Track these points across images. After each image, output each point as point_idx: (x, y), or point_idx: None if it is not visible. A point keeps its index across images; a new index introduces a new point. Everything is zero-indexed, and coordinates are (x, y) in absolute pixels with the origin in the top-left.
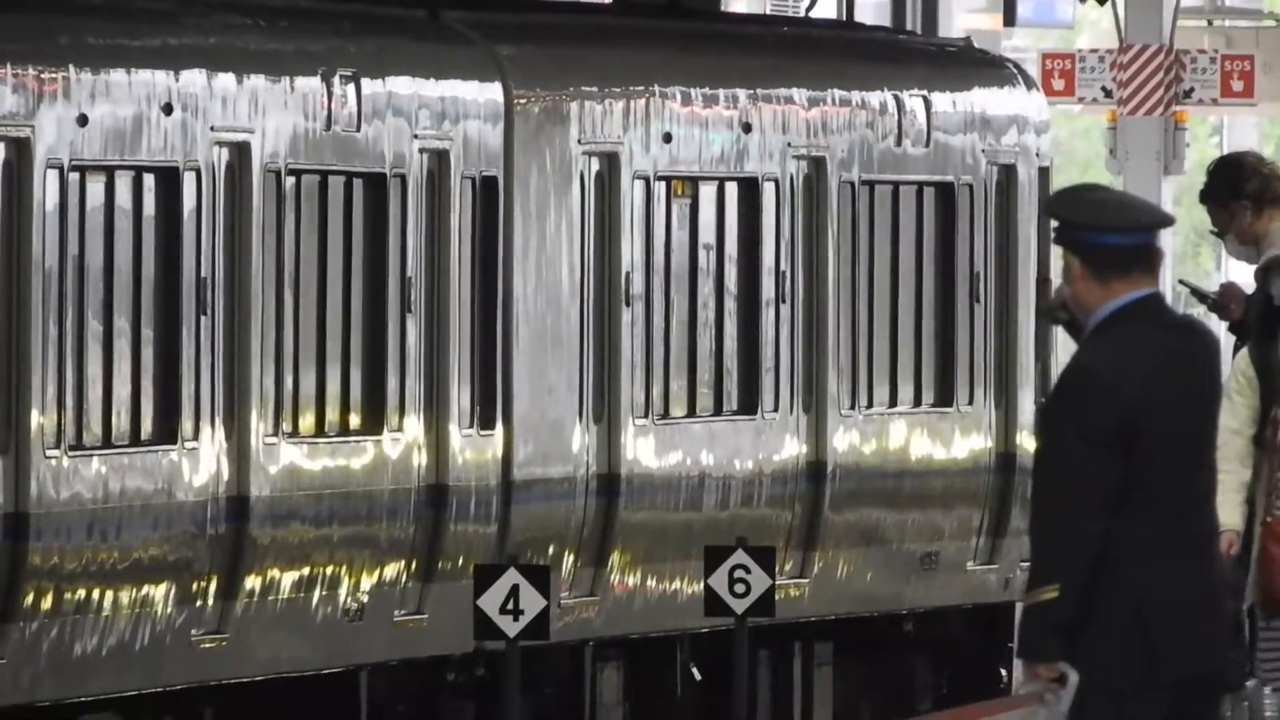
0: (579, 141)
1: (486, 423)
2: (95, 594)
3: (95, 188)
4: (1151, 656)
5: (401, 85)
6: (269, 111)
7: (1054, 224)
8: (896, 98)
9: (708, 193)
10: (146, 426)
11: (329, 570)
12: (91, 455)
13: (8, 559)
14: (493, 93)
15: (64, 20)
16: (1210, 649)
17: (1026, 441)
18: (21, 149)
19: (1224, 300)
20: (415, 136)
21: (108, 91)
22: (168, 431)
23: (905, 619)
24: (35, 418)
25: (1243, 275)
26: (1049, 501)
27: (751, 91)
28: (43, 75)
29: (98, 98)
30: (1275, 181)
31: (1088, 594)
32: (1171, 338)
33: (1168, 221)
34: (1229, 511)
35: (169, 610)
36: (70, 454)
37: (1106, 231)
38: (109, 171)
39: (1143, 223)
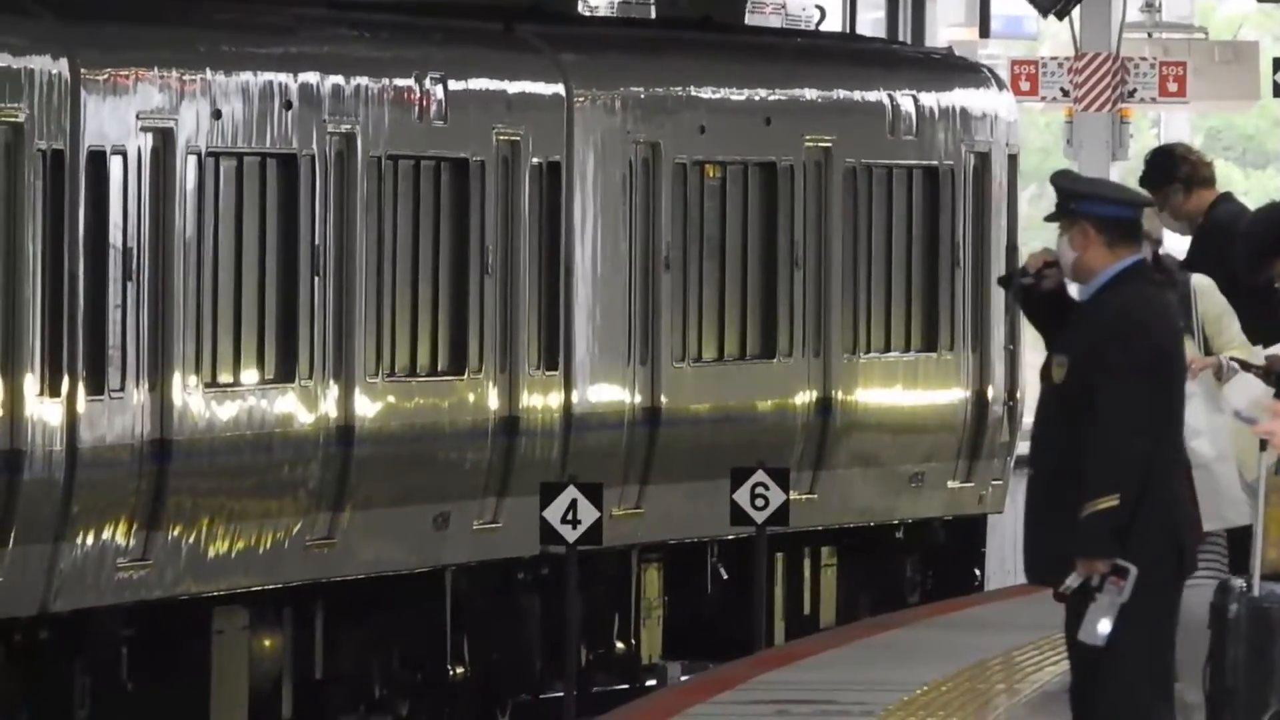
0: (627, 133)
1: (551, 365)
2: (230, 507)
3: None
4: (1180, 556)
5: (481, 84)
6: (372, 107)
7: (1067, 198)
8: (890, 96)
9: (734, 173)
10: (268, 367)
11: (422, 487)
12: (225, 391)
13: (153, 480)
14: (557, 91)
15: (201, 31)
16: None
17: (998, 381)
18: (166, 138)
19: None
20: (492, 129)
21: (239, 90)
22: (286, 372)
23: (896, 528)
24: (178, 361)
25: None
26: (1108, 425)
27: (771, 90)
28: (184, 77)
29: (230, 96)
30: (1201, 167)
31: (1139, 502)
32: (1165, 292)
33: (1150, 202)
34: None
35: (288, 520)
36: (206, 389)
37: (1120, 205)
38: (238, 158)
39: (1140, 201)
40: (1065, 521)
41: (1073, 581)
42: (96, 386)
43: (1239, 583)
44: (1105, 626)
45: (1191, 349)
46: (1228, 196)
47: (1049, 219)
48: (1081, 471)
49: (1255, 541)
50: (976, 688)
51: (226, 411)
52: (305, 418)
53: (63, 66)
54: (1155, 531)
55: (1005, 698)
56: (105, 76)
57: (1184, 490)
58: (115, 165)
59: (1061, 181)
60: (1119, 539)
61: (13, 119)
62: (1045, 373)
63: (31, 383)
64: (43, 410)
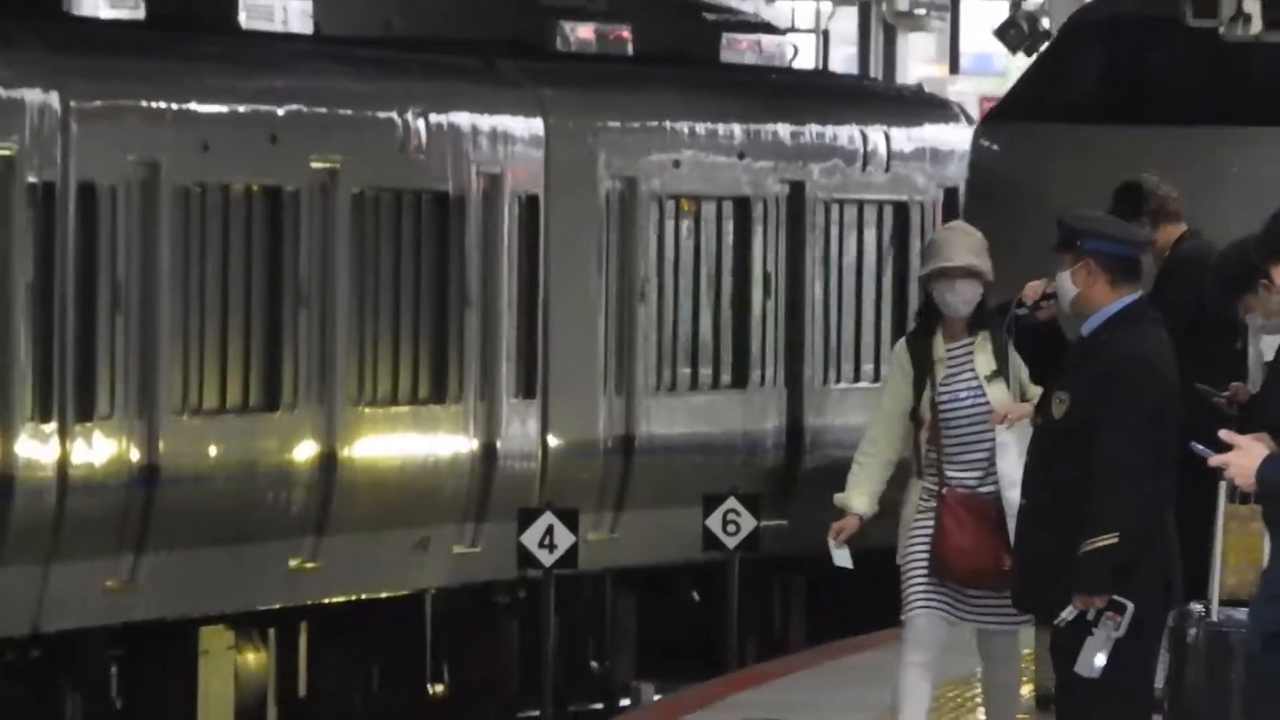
0: (606, 167)
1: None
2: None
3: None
4: (1169, 592)
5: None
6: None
7: (1073, 235)
8: (862, 132)
9: (709, 211)
10: (252, 395)
11: (404, 512)
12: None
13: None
14: (535, 127)
15: (186, 65)
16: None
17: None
18: (153, 170)
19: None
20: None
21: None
22: (268, 401)
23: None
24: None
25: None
26: (1113, 465)
27: (746, 126)
28: (172, 107)
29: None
30: (1169, 201)
31: (1141, 541)
32: (1162, 332)
33: (1150, 241)
34: None
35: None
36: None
37: (1125, 244)
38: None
39: (1144, 240)
40: (1058, 556)
41: (1069, 615)
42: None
43: (1198, 607)
44: (1101, 660)
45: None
46: (1194, 233)
47: (1054, 250)
48: (1082, 508)
49: (1214, 568)
50: (944, 707)
51: (212, 439)
52: (289, 449)
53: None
54: (1150, 570)
55: (971, 716)
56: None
57: (1172, 528)
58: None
59: (1068, 218)
60: (1118, 576)
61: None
62: (1043, 408)
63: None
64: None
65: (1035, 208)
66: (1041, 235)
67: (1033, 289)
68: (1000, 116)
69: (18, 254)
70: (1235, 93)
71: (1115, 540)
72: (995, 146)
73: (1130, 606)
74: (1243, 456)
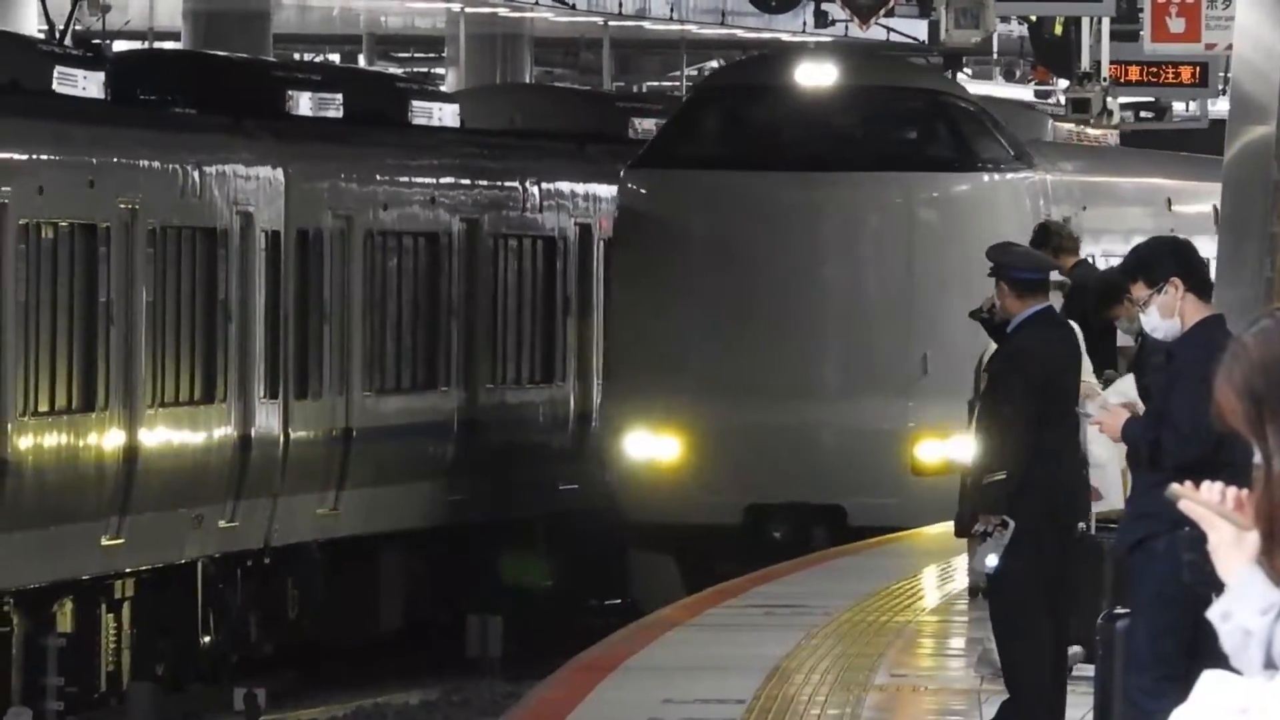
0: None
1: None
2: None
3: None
4: (1052, 517)
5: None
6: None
7: (995, 265)
8: (522, 183)
9: (408, 243)
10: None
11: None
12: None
13: None
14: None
15: (371, 149)
16: (1076, 510)
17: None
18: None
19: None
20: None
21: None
22: (88, 401)
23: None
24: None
25: None
26: (1004, 422)
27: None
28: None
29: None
30: (1067, 239)
31: (1025, 480)
32: (1061, 330)
33: (1055, 266)
34: None
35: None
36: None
37: (1026, 269)
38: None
39: (1044, 266)
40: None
41: (977, 529)
42: None
43: (1081, 526)
44: (992, 560)
45: (1086, 383)
46: (1083, 262)
47: (990, 275)
48: (986, 449)
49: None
50: (902, 595)
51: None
52: (103, 439)
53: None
54: (1035, 499)
55: (925, 600)
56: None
57: (1061, 475)
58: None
59: (990, 253)
60: (1006, 502)
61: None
62: (977, 385)
63: None
64: None
65: (673, 239)
66: (680, 261)
67: (987, 300)
68: (642, 164)
69: (256, 284)
70: (827, 143)
71: (1003, 476)
72: (640, 189)
73: (1013, 524)
74: (1111, 419)
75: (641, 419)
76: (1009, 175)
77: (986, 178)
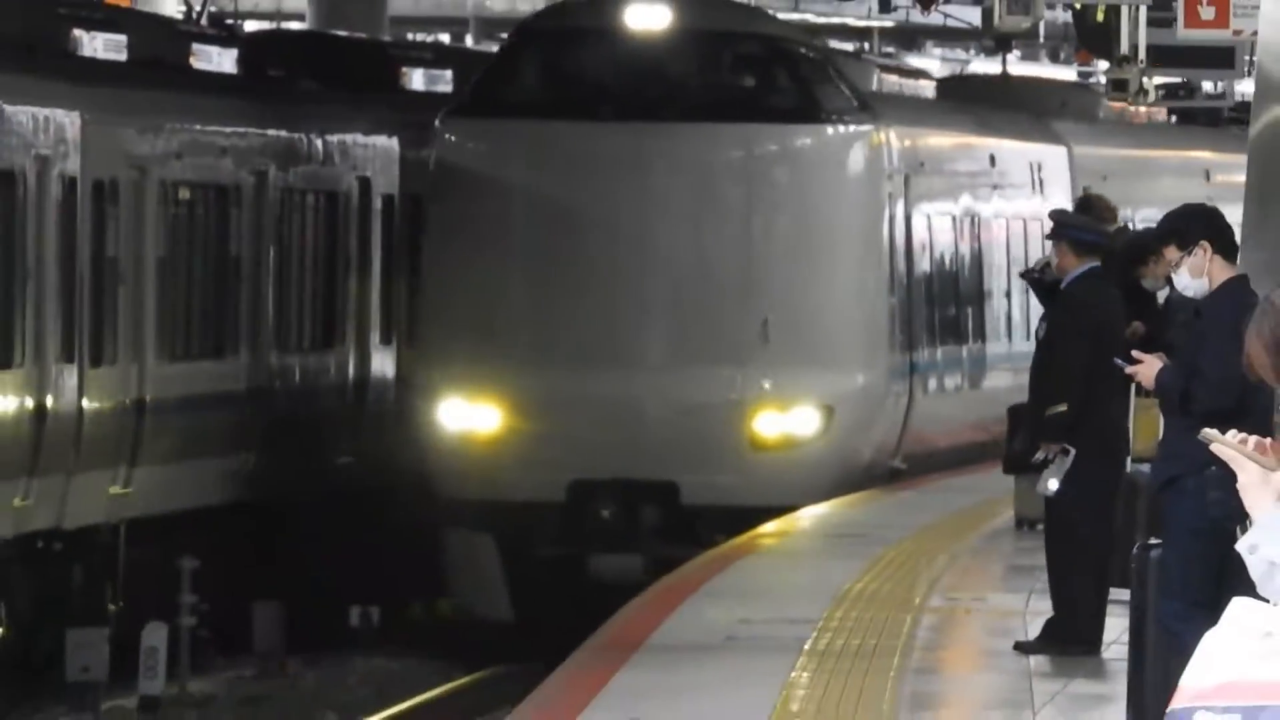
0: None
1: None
2: None
3: None
4: (1105, 447)
5: None
6: None
7: (1057, 225)
8: (307, 135)
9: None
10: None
11: None
12: None
13: None
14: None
15: None
16: (1122, 444)
17: None
18: None
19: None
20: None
21: None
22: None
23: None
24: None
25: None
26: (1064, 361)
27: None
28: None
29: None
30: (1105, 209)
31: (1081, 412)
32: (1108, 286)
33: (1108, 232)
34: None
35: None
36: None
37: (1087, 232)
38: None
39: (1101, 231)
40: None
41: (1039, 456)
42: None
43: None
44: (1053, 484)
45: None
46: (1121, 228)
47: (1047, 237)
48: (1046, 389)
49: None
50: (956, 527)
51: None
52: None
53: None
54: (1090, 431)
55: (975, 531)
56: None
57: (1111, 411)
58: None
59: (1055, 214)
60: (1067, 431)
61: None
62: (1037, 333)
63: None
64: None
65: (491, 193)
66: (498, 217)
67: (1038, 262)
68: (459, 113)
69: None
70: (658, 91)
71: (1064, 408)
72: (456, 139)
73: (1074, 451)
74: (1146, 368)
75: (456, 386)
76: (855, 127)
77: (831, 130)
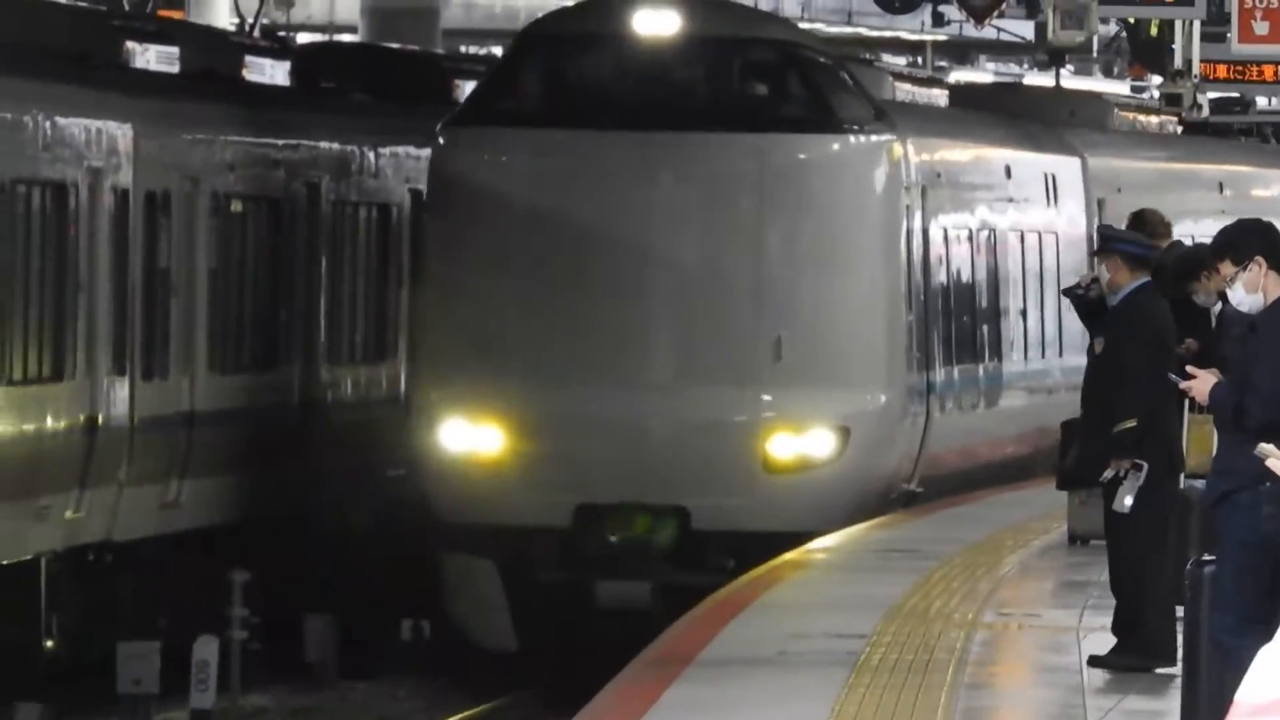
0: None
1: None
2: None
3: None
4: (1171, 460)
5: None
6: None
7: (1107, 240)
8: (359, 149)
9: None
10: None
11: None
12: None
13: None
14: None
15: None
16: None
17: None
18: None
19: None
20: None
21: None
22: None
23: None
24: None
25: None
26: (1131, 375)
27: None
28: None
29: None
30: (1159, 225)
31: (1148, 426)
32: (1161, 300)
33: (1158, 247)
34: None
35: None
36: None
37: (1139, 247)
38: None
39: (1151, 244)
40: (1100, 437)
41: (1108, 473)
42: None
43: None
44: (1129, 500)
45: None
46: (1176, 243)
47: (1094, 254)
48: (1112, 405)
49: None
50: (1007, 542)
51: None
52: None
53: None
54: (1157, 444)
55: (1027, 546)
56: None
57: (1177, 422)
58: None
59: (1103, 229)
60: (1137, 446)
61: None
62: (1090, 349)
63: None
64: None
65: (493, 204)
66: (501, 229)
67: (1085, 278)
68: (459, 121)
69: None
70: (666, 100)
71: (1134, 424)
72: (455, 148)
73: (1146, 466)
74: (1200, 383)
75: (458, 407)
76: (875, 138)
77: (850, 140)
